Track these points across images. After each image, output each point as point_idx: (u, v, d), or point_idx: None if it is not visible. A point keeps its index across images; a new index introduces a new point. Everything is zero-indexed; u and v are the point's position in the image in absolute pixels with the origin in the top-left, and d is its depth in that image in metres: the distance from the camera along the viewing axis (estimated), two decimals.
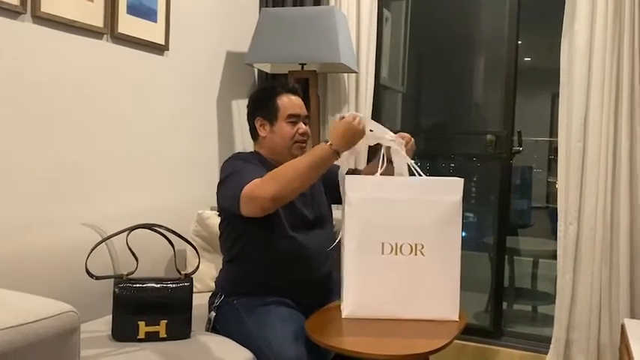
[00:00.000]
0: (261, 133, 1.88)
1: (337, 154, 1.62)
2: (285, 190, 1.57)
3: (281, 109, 1.84)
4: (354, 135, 1.63)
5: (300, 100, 1.90)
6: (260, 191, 1.58)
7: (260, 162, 1.82)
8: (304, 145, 1.87)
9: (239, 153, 1.94)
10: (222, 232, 1.88)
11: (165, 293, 1.64)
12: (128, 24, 2.19)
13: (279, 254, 1.77)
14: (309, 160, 1.61)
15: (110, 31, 2.13)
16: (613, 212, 2.36)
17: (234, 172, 1.71)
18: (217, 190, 1.77)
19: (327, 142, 1.63)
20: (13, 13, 1.79)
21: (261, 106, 1.88)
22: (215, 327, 1.79)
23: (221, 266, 1.91)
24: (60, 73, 1.96)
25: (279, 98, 1.85)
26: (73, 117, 2.02)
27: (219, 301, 1.81)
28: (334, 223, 2.02)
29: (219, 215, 1.90)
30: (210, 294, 1.90)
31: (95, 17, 2.06)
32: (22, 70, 1.84)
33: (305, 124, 1.88)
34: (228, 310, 1.78)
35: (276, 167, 1.64)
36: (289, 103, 1.86)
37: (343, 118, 1.66)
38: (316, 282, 1.83)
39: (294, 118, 1.85)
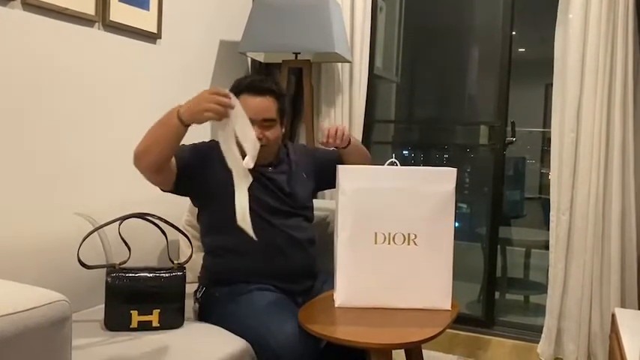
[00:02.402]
0: None
1: (179, 114, 1.58)
2: (143, 146, 1.65)
3: None
4: (199, 101, 1.54)
5: (265, 101, 1.79)
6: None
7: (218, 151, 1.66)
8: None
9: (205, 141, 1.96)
10: (199, 224, 1.90)
11: (158, 282, 1.64)
12: (120, 12, 2.17)
13: (245, 244, 1.65)
14: (159, 120, 1.66)
15: (102, 18, 2.10)
16: (605, 203, 2.37)
17: None
18: None
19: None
20: (3, 0, 1.77)
21: None
22: (200, 319, 1.79)
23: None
24: (50, 61, 1.94)
25: (239, 98, 1.70)
26: (64, 105, 2.01)
27: (201, 293, 1.82)
28: (315, 212, 1.99)
29: None
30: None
31: (87, 4, 2.03)
32: (11, 57, 1.82)
33: (267, 128, 1.77)
34: (211, 302, 1.78)
35: None
36: (244, 105, 1.65)
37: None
38: (292, 269, 1.81)
39: None
